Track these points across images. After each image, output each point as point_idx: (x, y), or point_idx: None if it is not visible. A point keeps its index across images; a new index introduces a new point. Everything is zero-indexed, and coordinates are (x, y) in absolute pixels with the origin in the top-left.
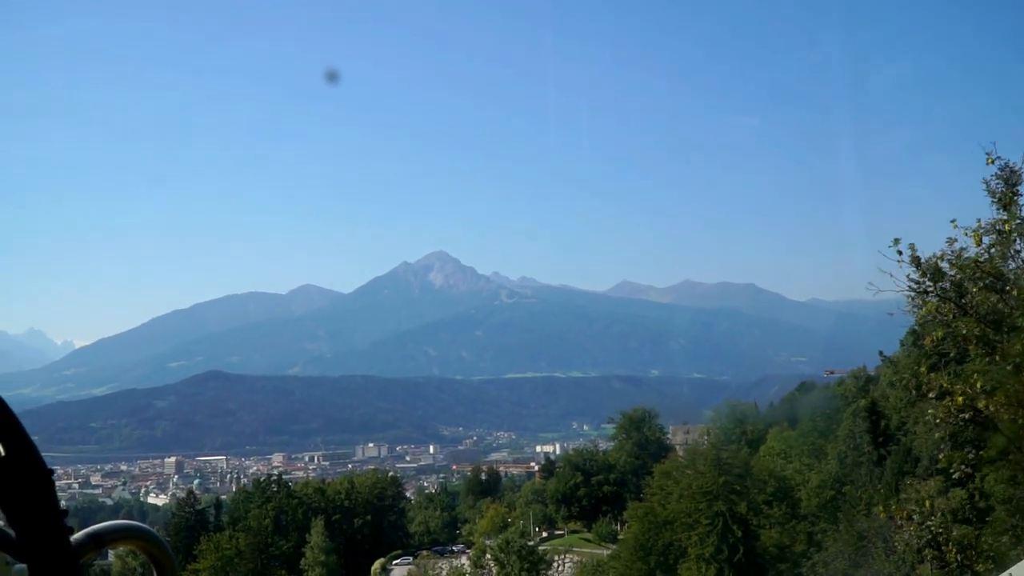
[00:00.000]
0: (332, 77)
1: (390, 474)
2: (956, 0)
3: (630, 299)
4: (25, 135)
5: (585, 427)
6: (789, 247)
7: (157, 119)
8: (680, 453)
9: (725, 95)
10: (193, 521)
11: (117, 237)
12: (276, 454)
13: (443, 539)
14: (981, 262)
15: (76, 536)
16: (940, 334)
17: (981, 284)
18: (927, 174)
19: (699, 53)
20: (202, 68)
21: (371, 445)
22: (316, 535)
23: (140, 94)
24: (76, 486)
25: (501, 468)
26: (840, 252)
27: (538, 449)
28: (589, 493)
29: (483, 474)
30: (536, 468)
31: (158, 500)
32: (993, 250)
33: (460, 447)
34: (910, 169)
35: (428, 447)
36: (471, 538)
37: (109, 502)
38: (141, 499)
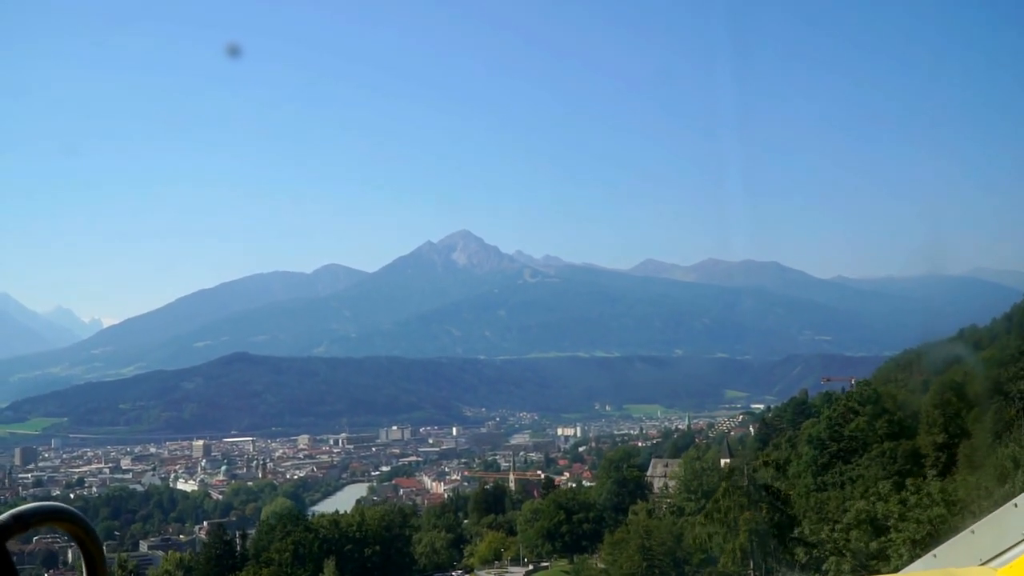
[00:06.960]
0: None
1: (398, 506)
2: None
3: (654, 278)
4: (50, 118)
5: (608, 407)
6: (813, 225)
7: (181, 101)
8: (661, 485)
9: (749, 73)
10: (222, 551)
11: (143, 216)
12: (302, 436)
13: (447, 562)
14: None
15: (0, 517)
16: None
17: None
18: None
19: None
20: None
21: (395, 428)
22: (328, 573)
23: (162, 77)
24: (107, 471)
25: (512, 477)
26: (865, 230)
27: (559, 432)
28: (571, 530)
29: (489, 484)
30: (541, 476)
31: (187, 486)
32: None
33: (482, 429)
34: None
35: (451, 429)
36: (471, 562)
37: (140, 488)
38: (171, 485)
